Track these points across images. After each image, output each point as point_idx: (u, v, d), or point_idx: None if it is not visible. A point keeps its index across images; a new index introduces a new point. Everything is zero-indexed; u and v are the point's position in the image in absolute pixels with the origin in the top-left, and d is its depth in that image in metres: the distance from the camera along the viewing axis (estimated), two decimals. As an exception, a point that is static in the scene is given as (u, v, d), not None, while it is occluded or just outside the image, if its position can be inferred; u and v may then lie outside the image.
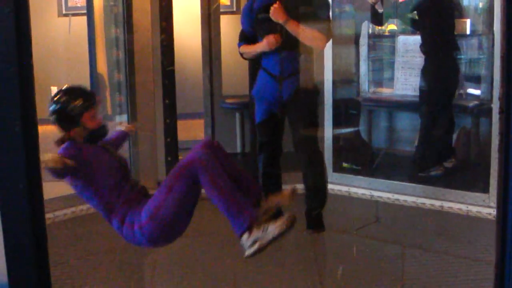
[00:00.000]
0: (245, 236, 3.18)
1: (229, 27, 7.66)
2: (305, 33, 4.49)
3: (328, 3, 4.83)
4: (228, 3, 9.20)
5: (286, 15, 4.48)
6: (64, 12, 9.48)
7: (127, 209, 3.44)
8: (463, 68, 6.59)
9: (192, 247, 4.63)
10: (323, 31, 4.54)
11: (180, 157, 5.71)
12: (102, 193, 3.45)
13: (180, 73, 8.82)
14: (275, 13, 4.48)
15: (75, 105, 3.51)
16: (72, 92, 3.57)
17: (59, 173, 3.21)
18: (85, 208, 5.39)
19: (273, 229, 3.15)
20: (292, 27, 4.48)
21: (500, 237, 2.24)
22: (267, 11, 4.54)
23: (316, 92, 4.81)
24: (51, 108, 3.52)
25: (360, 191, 4.35)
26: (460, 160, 6.16)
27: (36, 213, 2.36)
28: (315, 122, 4.71)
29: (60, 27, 9.36)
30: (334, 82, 5.84)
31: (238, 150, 7.02)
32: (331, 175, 5.52)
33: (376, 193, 5.29)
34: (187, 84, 9.05)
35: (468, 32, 6.45)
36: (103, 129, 3.64)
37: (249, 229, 3.18)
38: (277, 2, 4.51)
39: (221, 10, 7.68)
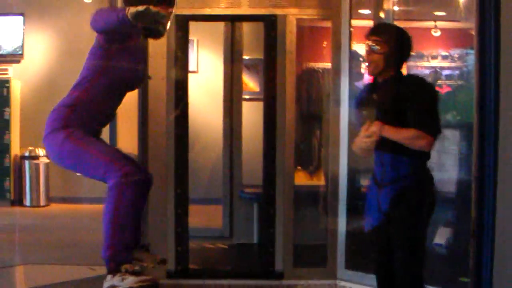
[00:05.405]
0: (109, 277, 3.44)
1: (253, 114, 7.58)
2: (403, 135, 3.83)
3: (433, 92, 4.04)
4: (258, 89, 9.20)
5: (380, 123, 3.84)
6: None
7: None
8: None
9: None
10: (426, 128, 3.83)
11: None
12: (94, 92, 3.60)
13: (201, 156, 8.81)
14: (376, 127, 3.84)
15: None
16: None
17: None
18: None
19: (131, 282, 3.35)
20: (389, 133, 3.84)
21: None
22: (368, 104, 4.06)
23: (419, 205, 3.89)
24: None
25: (373, 291, 4.11)
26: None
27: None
28: (412, 243, 3.87)
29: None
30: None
31: (255, 241, 6.80)
32: (343, 272, 5.30)
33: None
34: (207, 169, 9.08)
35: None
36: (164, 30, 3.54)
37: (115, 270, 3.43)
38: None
39: (247, 96, 7.66)
